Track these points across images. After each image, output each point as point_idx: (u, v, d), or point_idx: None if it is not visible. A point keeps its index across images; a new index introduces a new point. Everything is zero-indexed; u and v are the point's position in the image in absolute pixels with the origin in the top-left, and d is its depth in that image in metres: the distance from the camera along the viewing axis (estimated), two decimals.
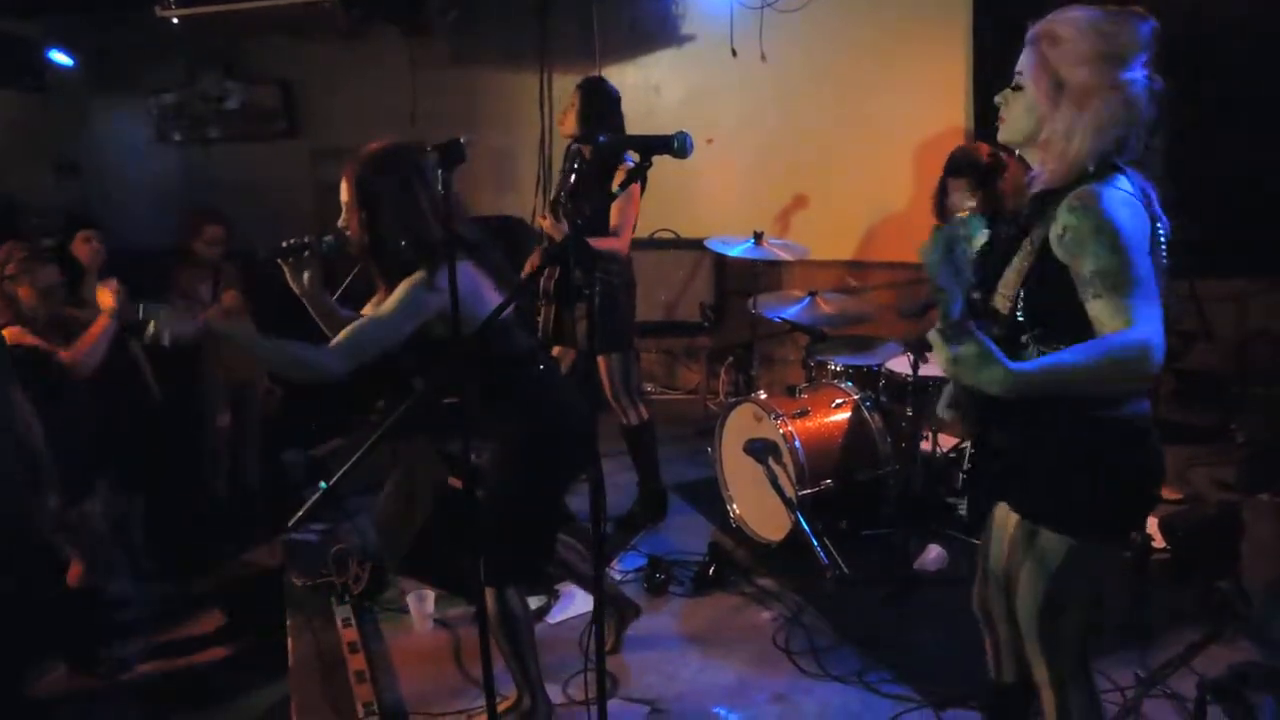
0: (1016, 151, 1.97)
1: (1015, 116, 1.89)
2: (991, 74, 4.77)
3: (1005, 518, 2.11)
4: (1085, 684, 2.04)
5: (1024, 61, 1.87)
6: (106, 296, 3.56)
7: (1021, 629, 2.04)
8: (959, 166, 3.76)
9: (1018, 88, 1.88)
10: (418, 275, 2.42)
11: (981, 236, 1.90)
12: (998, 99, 1.93)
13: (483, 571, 2.51)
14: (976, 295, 1.87)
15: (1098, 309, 1.71)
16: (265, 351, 2.47)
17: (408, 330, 2.42)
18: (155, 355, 4.57)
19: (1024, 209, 1.94)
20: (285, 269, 2.61)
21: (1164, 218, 1.81)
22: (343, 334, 2.41)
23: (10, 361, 3.25)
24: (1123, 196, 1.76)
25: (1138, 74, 1.79)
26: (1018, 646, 2.14)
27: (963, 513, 2.16)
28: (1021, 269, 1.84)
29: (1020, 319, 1.84)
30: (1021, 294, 1.83)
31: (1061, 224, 1.76)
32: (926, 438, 3.89)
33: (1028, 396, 1.67)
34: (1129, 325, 1.66)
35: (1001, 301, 1.87)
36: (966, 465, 2.08)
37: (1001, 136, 1.95)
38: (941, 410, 2.17)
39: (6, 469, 3.02)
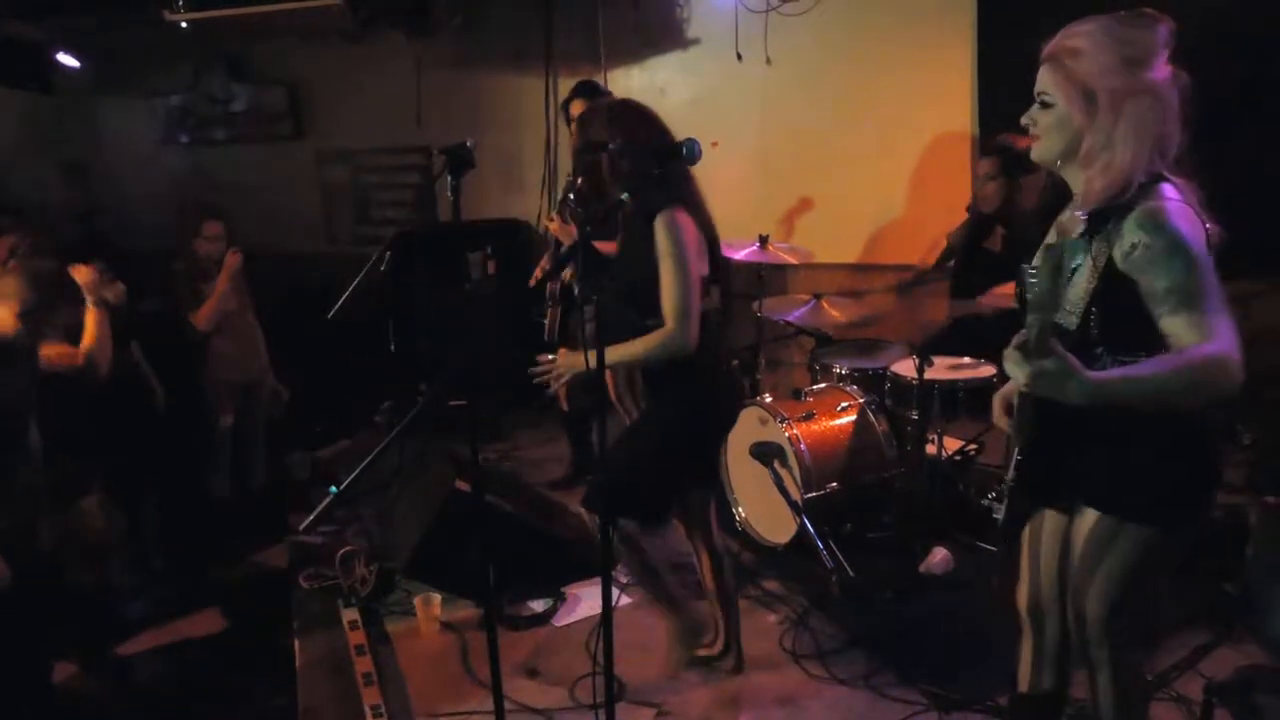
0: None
1: (1048, 134, 1.90)
2: (996, 80, 4.78)
3: (1056, 520, 2.14)
4: (1139, 666, 2.14)
5: (1046, 80, 1.88)
6: (83, 274, 3.53)
7: (1088, 621, 2.05)
8: (994, 146, 4.00)
9: (1046, 105, 1.88)
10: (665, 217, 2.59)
11: (1078, 261, 1.88)
12: (1025, 120, 1.94)
13: (592, 500, 2.73)
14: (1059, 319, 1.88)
15: (1172, 325, 1.73)
16: (628, 357, 2.69)
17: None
18: (157, 353, 4.60)
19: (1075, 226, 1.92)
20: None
21: (1209, 221, 1.81)
22: (667, 306, 2.61)
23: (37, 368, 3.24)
24: (1180, 208, 1.77)
25: (1162, 72, 1.81)
26: (1063, 650, 2.16)
27: (998, 517, 2.16)
28: (1088, 288, 1.84)
29: (1094, 334, 1.85)
30: (1093, 312, 1.84)
31: (1129, 241, 1.76)
32: (932, 441, 3.89)
33: (1110, 405, 1.69)
34: (1205, 340, 1.69)
35: (1067, 318, 1.87)
36: (1013, 473, 2.08)
37: (1036, 156, 1.95)
38: (998, 419, 2.18)
39: (25, 476, 3.03)
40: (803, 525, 3.60)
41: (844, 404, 3.95)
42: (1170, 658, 2.99)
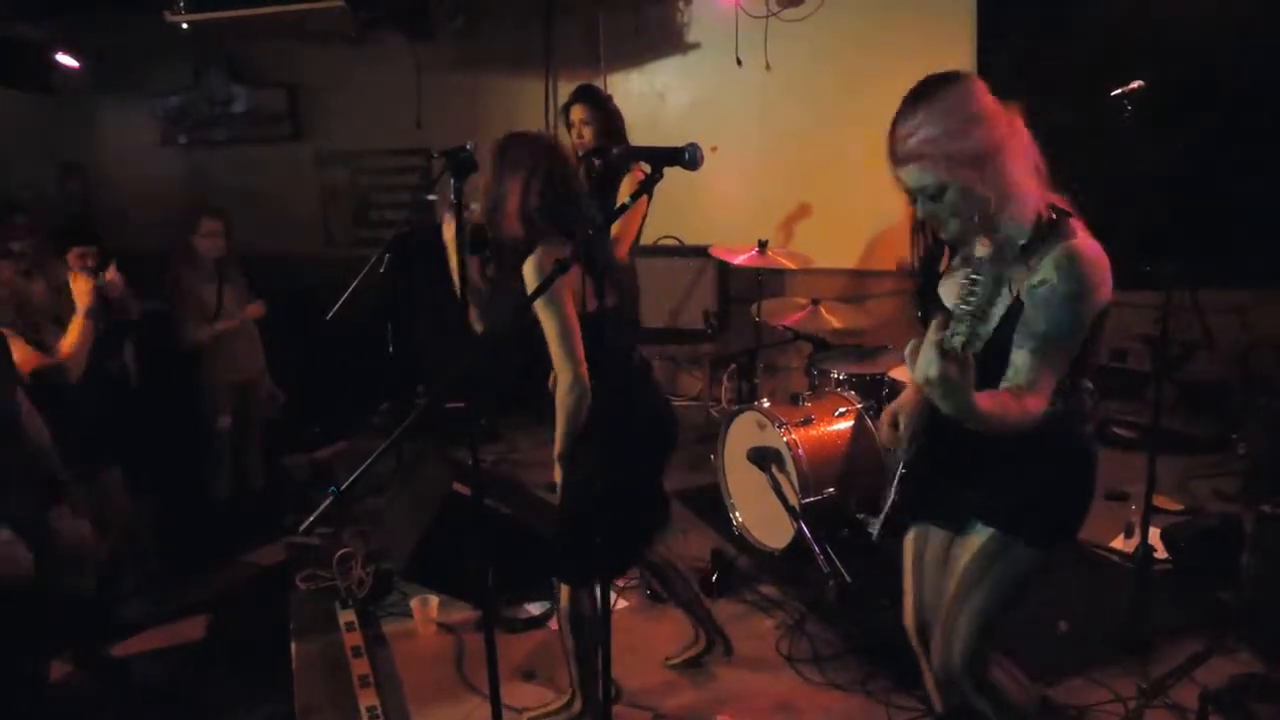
0: None
1: (951, 216, 1.88)
2: (994, 88, 4.80)
3: (940, 539, 2.18)
4: (1019, 685, 2.22)
5: (918, 177, 1.85)
6: (81, 285, 3.54)
7: (955, 653, 2.10)
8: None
9: (934, 197, 1.86)
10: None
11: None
12: (923, 215, 1.92)
13: (557, 567, 2.65)
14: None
15: (1022, 361, 1.80)
16: (564, 431, 2.55)
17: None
18: (154, 356, 4.60)
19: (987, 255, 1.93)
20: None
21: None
22: (552, 353, 2.48)
23: (13, 365, 3.24)
24: (1095, 251, 1.79)
25: (996, 108, 1.85)
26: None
27: (873, 531, 2.19)
28: (1002, 316, 1.85)
29: (994, 362, 1.85)
30: (996, 338, 1.85)
31: (1042, 276, 1.79)
32: None
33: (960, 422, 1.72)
34: (1032, 391, 1.78)
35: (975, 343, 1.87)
36: (895, 485, 2.11)
37: (952, 237, 1.95)
38: (885, 437, 2.21)
39: (16, 475, 3.02)
40: (800, 530, 3.60)
41: (842, 409, 3.96)
42: (1166, 666, 2.99)
